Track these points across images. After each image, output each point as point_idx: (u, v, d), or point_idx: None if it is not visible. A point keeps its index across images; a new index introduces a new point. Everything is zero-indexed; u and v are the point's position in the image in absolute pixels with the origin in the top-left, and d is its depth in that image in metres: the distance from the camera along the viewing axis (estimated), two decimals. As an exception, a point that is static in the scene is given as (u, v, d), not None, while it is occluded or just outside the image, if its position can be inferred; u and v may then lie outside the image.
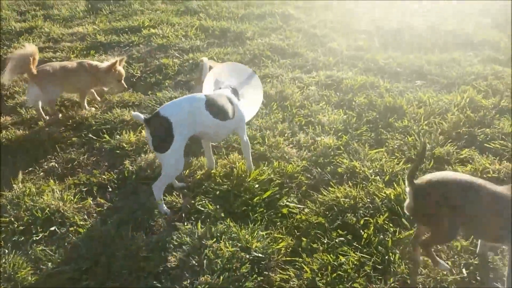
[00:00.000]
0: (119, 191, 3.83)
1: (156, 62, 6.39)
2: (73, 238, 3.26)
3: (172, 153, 3.36)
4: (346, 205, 3.50)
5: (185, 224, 3.36)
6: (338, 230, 3.26)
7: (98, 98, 5.37)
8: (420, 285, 2.86)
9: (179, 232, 3.26)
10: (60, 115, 5.02)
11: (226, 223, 3.33)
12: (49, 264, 3.03)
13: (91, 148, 4.43)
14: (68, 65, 5.00)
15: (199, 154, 4.18)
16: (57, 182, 3.91)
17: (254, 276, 2.92)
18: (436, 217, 2.74)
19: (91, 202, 3.66)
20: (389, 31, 7.72)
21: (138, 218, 3.43)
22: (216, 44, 7.21)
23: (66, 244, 3.21)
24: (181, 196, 3.70)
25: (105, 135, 4.53)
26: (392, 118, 4.78)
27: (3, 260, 3.05)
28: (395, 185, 3.65)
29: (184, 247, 3.12)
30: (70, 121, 4.87)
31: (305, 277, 2.92)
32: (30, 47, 4.82)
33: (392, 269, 2.94)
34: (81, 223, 3.42)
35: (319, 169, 4.00)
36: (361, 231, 3.26)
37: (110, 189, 3.86)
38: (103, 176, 3.95)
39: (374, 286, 2.85)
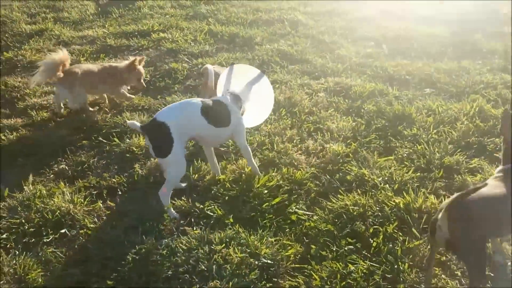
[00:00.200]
0: (129, 194, 3.85)
1: (166, 66, 6.43)
2: (83, 241, 3.28)
3: (173, 157, 3.41)
4: (355, 213, 3.50)
5: (194, 229, 3.37)
6: (347, 238, 3.26)
7: (107, 102, 5.42)
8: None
9: (189, 237, 3.27)
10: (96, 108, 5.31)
11: (235, 228, 3.34)
12: (59, 266, 3.04)
13: (101, 151, 4.45)
14: (93, 67, 5.20)
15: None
16: (67, 185, 3.93)
17: (263, 282, 2.93)
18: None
19: (101, 205, 3.68)
20: (397, 38, 7.72)
21: (148, 222, 3.44)
22: (225, 49, 7.24)
23: (76, 246, 3.23)
24: (190, 200, 3.70)
25: (115, 139, 4.56)
26: (401, 126, 4.78)
27: (14, 262, 3.07)
28: (405, 194, 3.65)
29: (193, 252, 3.12)
30: (80, 124, 4.90)
31: (314, 285, 2.92)
32: (60, 54, 5.03)
33: (401, 279, 2.93)
34: (91, 226, 3.44)
35: (328, 176, 4.01)
36: (370, 239, 3.26)
37: (120, 193, 3.87)
38: (113, 180, 3.98)
39: (383, 295, 2.84)
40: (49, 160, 4.32)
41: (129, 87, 5.45)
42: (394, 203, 3.57)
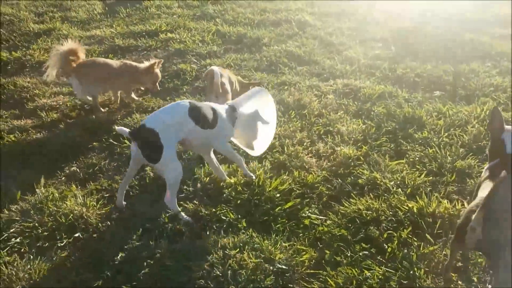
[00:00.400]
0: (141, 197, 3.84)
1: (174, 67, 6.42)
2: (97, 245, 3.27)
3: (166, 161, 3.38)
4: (368, 217, 3.50)
5: (208, 233, 3.37)
6: (362, 243, 3.25)
7: (118, 101, 5.43)
8: (446, 302, 2.85)
9: (202, 241, 3.27)
10: (105, 109, 5.34)
11: (248, 233, 3.33)
12: (74, 271, 3.03)
13: (112, 153, 4.45)
14: (113, 64, 5.21)
15: (219, 162, 4.18)
16: (79, 187, 3.93)
17: (279, 288, 2.92)
18: None
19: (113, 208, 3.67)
20: (405, 40, 7.71)
21: (161, 226, 3.43)
22: (233, 50, 7.24)
23: (89, 250, 3.22)
24: (202, 203, 3.69)
25: (125, 140, 4.55)
26: (411, 129, 4.77)
27: (28, 266, 3.07)
28: (418, 198, 3.64)
29: (207, 256, 3.12)
30: (90, 125, 4.90)
31: (329, 291, 2.91)
32: (68, 45, 5.05)
33: (417, 285, 2.92)
34: (104, 229, 3.43)
35: (339, 180, 4.00)
36: (384, 244, 3.25)
37: (131, 195, 3.87)
38: (124, 182, 3.96)
39: (399, 301, 2.84)
40: (60, 162, 4.32)
41: (142, 88, 5.46)
42: (407, 208, 3.56)
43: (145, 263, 3.06)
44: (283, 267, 3.06)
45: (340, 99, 5.50)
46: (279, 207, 3.62)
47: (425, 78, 6.14)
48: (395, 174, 4.01)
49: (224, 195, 3.80)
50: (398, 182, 3.91)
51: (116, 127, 3.45)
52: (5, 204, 3.72)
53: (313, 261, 3.17)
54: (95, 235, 3.38)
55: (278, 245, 3.22)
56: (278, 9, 9.20)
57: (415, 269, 3.01)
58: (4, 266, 3.08)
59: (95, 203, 3.67)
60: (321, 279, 3.02)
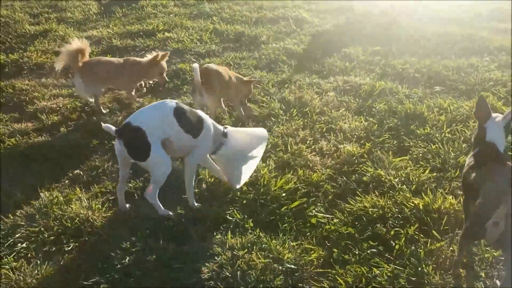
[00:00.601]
0: (146, 199, 3.81)
1: (173, 67, 6.39)
2: (104, 248, 3.25)
3: (154, 158, 3.35)
4: (374, 215, 3.50)
5: (214, 233, 3.36)
6: (369, 241, 3.25)
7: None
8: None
9: (210, 242, 3.26)
10: (106, 111, 5.36)
11: (255, 233, 3.33)
12: (82, 275, 3.02)
13: (115, 155, 4.39)
14: (114, 61, 5.31)
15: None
16: (83, 190, 3.91)
17: (288, 288, 2.92)
18: None
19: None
20: (403, 35, 7.72)
21: (167, 228, 3.43)
22: (231, 48, 7.22)
23: (97, 254, 3.21)
24: (208, 203, 3.69)
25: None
26: (413, 125, 4.78)
27: (36, 271, 3.05)
28: (423, 195, 3.65)
29: (216, 257, 3.12)
30: (92, 127, 4.86)
31: (339, 289, 2.92)
32: (76, 44, 5.12)
33: (426, 281, 2.93)
34: (111, 232, 3.41)
35: (344, 178, 4.00)
36: (392, 242, 3.25)
37: (136, 197, 3.86)
38: (129, 185, 3.95)
39: (409, 298, 2.84)
40: (63, 165, 4.30)
41: (151, 82, 5.55)
42: (413, 205, 3.56)
43: (153, 266, 3.05)
44: (292, 266, 3.06)
45: (341, 96, 5.50)
46: (285, 207, 3.62)
47: (424, 74, 6.14)
48: (400, 171, 4.01)
49: (230, 195, 3.80)
50: (403, 179, 3.91)
51: (103, 124, 3.37)
52: (9, 209, 3.70)
53: (322, 260, 3.17)
54: (101, 239, 3.36)
55: (286, 245, 3.22)
56: (275, 6, 9.20)
57: (423, 265, 3.02)
58: (11, 272, 3.06)
59: (100, 206, 3.65)
60: (330, 277, 3.02)
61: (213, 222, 3.49)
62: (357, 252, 3.18)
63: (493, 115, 3.13)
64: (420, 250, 3.13)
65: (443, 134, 4.57)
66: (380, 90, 5.57)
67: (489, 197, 2.65)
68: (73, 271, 3.09)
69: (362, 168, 4.10)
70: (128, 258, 3.13)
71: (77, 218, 3.48)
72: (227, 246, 3.21)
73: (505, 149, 3.06)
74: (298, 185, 3.87)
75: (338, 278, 2.99)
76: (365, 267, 3.03)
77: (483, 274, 3.00)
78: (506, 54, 6.74)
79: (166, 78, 5.49)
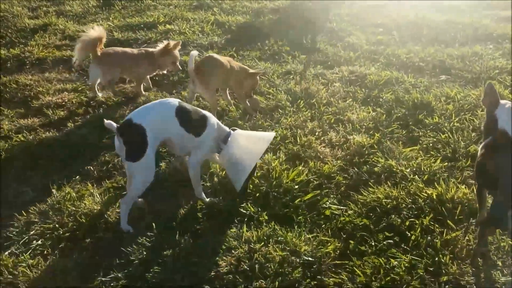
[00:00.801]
0: (158, 193, 3.81)
1: (176, 59, 6.34)
2: (121, 244, 3.25)
3: (145, 161, 3.29)
4: (388, 206, 3.51)
5: (230, 227, 3.36)
6: (385, 232, 3.26)
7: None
8: (474, 286, 2.87)
9: (225, 236, 3.26)
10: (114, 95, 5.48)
11: (271, 226, 3.33)
12: (101, 271, 3.02)
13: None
14: (129, 51, 5.41)
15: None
16: (95, 186, 3.90)
17: (308, 280, 2.93)
18: None
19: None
20: (405, 24, 7.72)
21: (182, 222, 3.43)
22: (234, 39, 7.18)
23: (114, 250, 3.20)
24: (220, 198, 3.68)
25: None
26: (421, 114, 4.78)
27: (53, 269, 3.05)
28: (436, 185, 3.65)
29: (233, 251, 3.12)
30: (99, 122, 4.81)
31: (358, 281, 2.92)
32: (96, 31, 5.19)
33: (444, 271, 2.94)
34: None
35: (355, 169, 4.00)
36: (407, 232, 3.26)
37: (148, 192, 3.83)
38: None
39: (428, 289, 2.86)
40: (72, 160, 4.28)
41: (165, 71, 5.60)
42: (426, 195, 3.57)
43: (171, 261, 3.05)
44: (310, 259, 3.06)
45: (347, 86, 5.50)
46: (299, 199, 3.62)
47: (429, 63, 6.14)
48: (411, 161, 4.02)
49: (242, 188, 3.79)
50: (414, 169, 3.92)
51: (105, 121, 3.30)
52: (21, 206, 3.69)
53: (338, 251, 3.17)
54: (117, 234, 3.35)
55: (302, 237, 3.22)
56: (275, -4, 9.14)
57: (440, 255, 3.03)
58: (28, 269, 3.05)
59: (113, 202, 3.64)
60: (348, 269, 3.03)
61: (227, 216, 3.49)
62: (373, 244, 3.19)
63: (502, 102, 3.13)
64: (436, 240, 3.14)
65: (452, 123, 4.58)
66: (386, 79, 5.56)
67: (510, 186, 2.66)
68: (90, 267, 3.08)
69: (373, 159, 4.11)
70: (145, 253, 3.13)
71: (91, 214, 3.48)
72: (243, 240, 3.21)
73: None
74: (310, 177, 3.87)
75: (356, 269, 3.00)
76: (382, 258, 3.04)
77: (500, 263, 3.02)
78: (509, 42, 6.74)
79: (180, 67, 5.50)
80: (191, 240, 3.24)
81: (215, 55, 4.95)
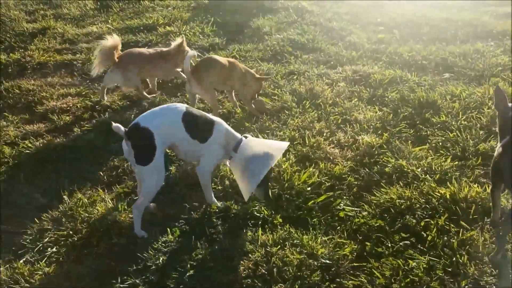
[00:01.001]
0: (169, 198, 3.80)
1: (180, 61, 6.32)
2: (136, 249, 3.23)
3: (154, 165, 3.28)
4: (402, 206, 3.51)
5: (245, 230, 3.35)
6: (401, 233, 3.26)
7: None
8: (494, 286, 2.87)
9: (241, 240, 3.25)
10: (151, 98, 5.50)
11: (286, 228, 3.33)
12: (118, 277, 3.00)
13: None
14: (146, 52, 5.40)
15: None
16: (106, 191, 3.88)
17: (327, 283, 2.93)
18: None
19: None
20: (405, 22, 7.75)
21: (196, 227, 3.41)
22: (234, 40, 7.16)
23: (130, 256, 3.18)
24: (232, 202, 3.67)
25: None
26: (428, 113, 4.79)
27: (69, 276, 3.03)
28: (448, 184, 3.66)
29: (250, 255, 3.11)
30: (105, 127, 4.79)
31: (377, 283, 2.92)
32: (111, 41, 5.20)
33: (462, 271, 2.95)
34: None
35: (366, 170, 4.00)
36: (423, 233, 3.26)
37: (161, 196, 3.82)
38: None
39: (448, 289, 2.86)
40: (81, 166, 4.25)
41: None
42: (439, 194, 3.57)
43: (189, 265, 3.04)
44: (327, 261, 3.06)
45: (352, 86, 5.50)
46: (312, 201, 3.61)
47: (432, 61, 6.15)
48: (421, 161, 4.02)
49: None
50: (425, 169, 3.92)
51: (113, 124, 3.28)
52: (32, 213, 3.66)
53: (355, 253, 3.17)
54: (131, 240, 3.33)
55: (318, 240, 3.22)
56: (273, -4, 9.13)
57: (458, 255, 3.04)
58: (45, 277, 3.03)
59: (126, 207, 3.62)
60: (366, 271, 3.03)
61: (241, 219, 3.48)
62: (389, 245, 3.19)
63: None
64: (453, 241, 3.14)
65: (459, 121, 4.59)
66: (390, 78, 5.57)
67: None
68: (107, 273, 3.07)
69: (383, 159, 4.11)
70: (161, 258, 3.12)
71: (105, 220, 3.46)
72: (259, 243, 3.20)
73: None
74: (322, 178, 3.87)
75: (374, 271, 3.00)
76: (400, 259, 3.04)
77: (517, 262, 3.03)
78: (509, 39, 6.77)
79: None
80: (207, 244, 3.22)
81: (215, 56, 5.00)
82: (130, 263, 3.13)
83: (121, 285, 2.96)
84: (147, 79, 5.59)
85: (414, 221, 3.36)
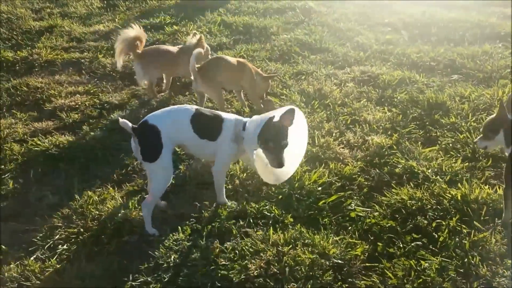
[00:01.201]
0: (180, 196, 3.80)
1: (188, 61, 6.31)
2: (147, 248, 3.23)
3: (161, 162, 3.29)
4: (413, 207, 3.50)
5: (256, 230, 3.35)
6: (412, 234, 3.26)
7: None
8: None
9: (252, 239, 3.25)
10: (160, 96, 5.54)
11: (297, 228, 3.32)
12: (130, 275, 3.00)
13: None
14: (171, 49, 5.43)
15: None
16: (116, 189, 3.87)
17: (339, 283, 2.92)
18: None
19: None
20: (413, 23, 7.73)
21: (207, 225, 3.41)
22: (242, 40, 7.16)
23: (141, 254, 3.18)
24: (244, 202, 3.66)
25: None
26: (437, 114, 4.79)
27: (81, 274, 3.03)
28: (459, 185, 3.65)
29: (261, 254, 3.11)
30: (114, 125, 4.79)
31: (390, 283, 2.92)
32: (133, 31, 5.23)
33: (474, 272, 2.94)
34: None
35: (377, 170, 3.99)
36: (434, 234, 3.26)
37: (171, 195, 3.82)
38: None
39: (461, 290, 2.85)
40: (91, 164, 4.25)
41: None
42: (450, 196, 3.57)
43: (201, 264, 3.04)
44: (339, 261, 3.06)
45: (360, 87, 5.49)
46: (322, 201, 3.61)
47: (440, 62, 6.14)
48: (431, 162, 4.02)
49: (264, 191, 3.78)
50: (436, 170, 3.91)
51: (120, 120, 3.29)
52: (43, 211, 3.67)
53: (367, 254, 3.16)
54: (143, 238, 3.33)
55: (329, 240, 3.21)
56: (280, -4, 9.12)
57: (470, 257, 3.03)
58: (56, 275, 3.03)
59: (136, 205, 3.61)
60: (378, 272, 3.03)
61: (252, 218, 3.47)
62: (401, 245, 3.18)
63: None
64: (465, 242, 3.14)
65: (469, 123, 4.58)
66: (398, 79, 5.56)
67: None
68: (119, 272, 3.07)
69: (393, 160, 4.10)
70: (173, 256, 3.12)
71: (115, 218, 3.45)
72: (270, 242, 3.20)
73: None
74: (332, 179, 3.86)
75: (387, 271, 2.99)
76: (412, 260, 3.04)
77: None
78: (517, 40, 6.76)
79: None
80: (218, 243, 3.22)
81: (224, 56, 5.02)
82: (141, 261, 3.13)
83: (133, 283, 2.96)
84: (163, 76, 5.63)
85: (425, 222, 3.36)
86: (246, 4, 8.74)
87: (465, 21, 7.68)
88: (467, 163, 4.00)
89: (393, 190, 3.72)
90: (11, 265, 3.11)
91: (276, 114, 3.28)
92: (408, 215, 3.45)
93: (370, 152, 4.23)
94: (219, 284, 2.92)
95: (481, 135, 3.48)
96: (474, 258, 3.02)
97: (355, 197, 3.70)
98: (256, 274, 2.98)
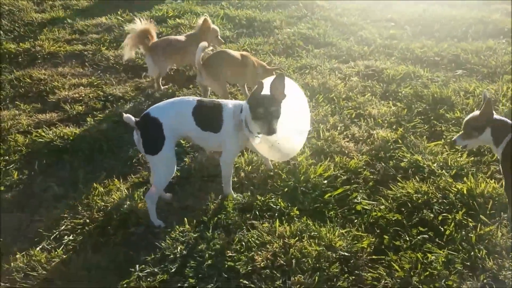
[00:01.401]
0: (185, 189, 3.79)
1: (191, 54, 6.30)
2: (154, 239, 3.23)
3: (164, 155, 3.29)
4: (419, 201, 3.50)
5: (262, 222, 3.35)
6: (418, 227, 3.26)
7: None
8: (512, 281, 2.88)
9: (259, 231, 3.25)
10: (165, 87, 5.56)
11: (303, 221, 3.32)
12: (137, 266, 3.00)
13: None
14: (179, 38, 5.50)
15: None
16: (121, 181, 3.87)
17: (346, 275, 2.92)
18: None
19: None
20: (416, 18, 7.72)
21: (213, 217, 3.40)
22: (245, 34, 7.16)
23: (148, 245, 3.18)
24: (248, 193, 3.66)
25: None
26: (442, 109, 4.78)
27: (87, 265, 3.03)
28: (465, 179, 3.65)
29: (268, 246, 3.11)
30: (118, 118, 4.77)
31: (396, 276, 2.92)
32: (141, 25, 5.26)
33: (481, 266, 2.95)
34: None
35: (382, 164, 3.99)
36: (440, 227, 3.26)
37: (177, 187, 3.82)
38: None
39: (467, 283, 2.85)
40: (96, 156, 4.25)
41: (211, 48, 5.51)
42: (456, 190, 3.57)
43: (207, 255, 3.04)
44: (346, 254, 3.06)
45: (365, 81, 5.49)
46: (328, 194, 3.60)
47: (444, 57, 6.14)
48: (437, 156, 4.02)
49: (269, 184, 3.78)
50: (441, 164, 3.92)
51: (124, 115, 3.29)
52: (48, 201, 3.66)
53: (373, 246, 3.16)
54: (149, 230, 3.33)
55: (336, 232, 3.21)
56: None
57: (476, 250, 3.03)
58: (63, 266, 3.03)
59: (142, 197, 3.61)
60: (384, 264, 3.03)
61: (258, 210, 3.47)
62: (407, 238, 3.18)
63: None
64: (471, 235, 3.14)
65: (474, 118, 4.57)
66: (403, 74, 5.55)
67: None
68: (125, 262, 3.06)
69: (399, 154, 4.10)
70: (179, 248, 3.11)
71: (121, 209, 3.45)
72: (276, 234, 3.20)
73: None
74: (337, 172, 3.86)
75: (393, 264, 2.99)
76: (419, 253, 3.04)
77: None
78: (522, 36, 6.76)
79: (222, 40, 5.65)
80: (224, 235, 3.22)
81: (228, 50, 5.02)
82: (148, 252, 3.13)
83: (140, 274, 2.95)
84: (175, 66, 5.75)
85: (431, 215, 3.36)
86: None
87: (467, 17, 7.68)
88: (472, 158, 4.00)
89: (398, 183, 3.72)
90: (17, 255, 3.11)
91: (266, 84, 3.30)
92: (414, 209, 3.45)
93: (375, 146, 4.23)
94: (225, 275, 2.92)
95: (462, 132, 3.40)
96: (481, 252, 3.02)
97: (360, 191, 3.70)
98: (262, 265, 2.98)
